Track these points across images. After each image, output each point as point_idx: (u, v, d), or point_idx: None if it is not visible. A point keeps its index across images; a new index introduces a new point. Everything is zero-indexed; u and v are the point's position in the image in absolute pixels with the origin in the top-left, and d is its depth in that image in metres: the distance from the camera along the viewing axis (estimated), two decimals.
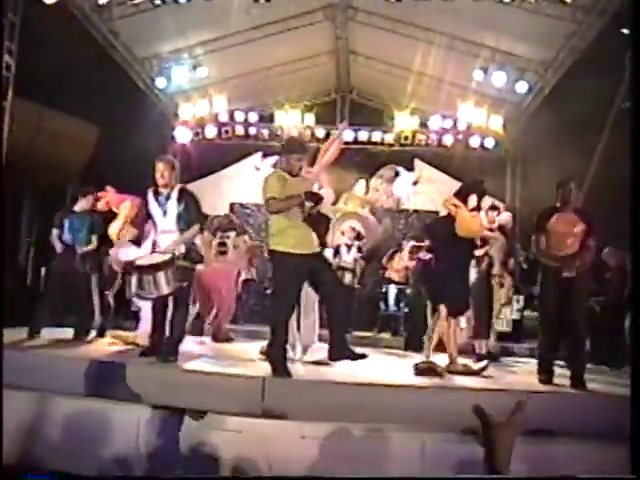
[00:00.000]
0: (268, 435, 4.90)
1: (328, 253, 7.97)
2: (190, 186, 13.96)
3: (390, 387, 5.51)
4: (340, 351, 5.81)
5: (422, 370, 6.40)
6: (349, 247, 10.90)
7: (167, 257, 5.97)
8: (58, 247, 7.89)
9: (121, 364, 5.95)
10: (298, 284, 5.83)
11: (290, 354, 6.88)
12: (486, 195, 7.02)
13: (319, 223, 6.93)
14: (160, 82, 12.46)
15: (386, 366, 7.07)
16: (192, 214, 6.38)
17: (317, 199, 6.06)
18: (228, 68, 12.93)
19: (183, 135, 14.06)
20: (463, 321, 7.67)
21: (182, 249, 6.24)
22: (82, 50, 10.10)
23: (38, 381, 5.50)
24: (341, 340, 5.92)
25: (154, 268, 5.86)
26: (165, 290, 5.90)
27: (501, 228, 8.42)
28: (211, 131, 14.18)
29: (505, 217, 8.83)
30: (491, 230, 8.00)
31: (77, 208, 8.10)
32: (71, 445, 5.07)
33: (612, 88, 10.21)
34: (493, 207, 8.39)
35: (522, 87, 11.98)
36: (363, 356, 5.87)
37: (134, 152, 11.18)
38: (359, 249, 11.13)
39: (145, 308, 7.25)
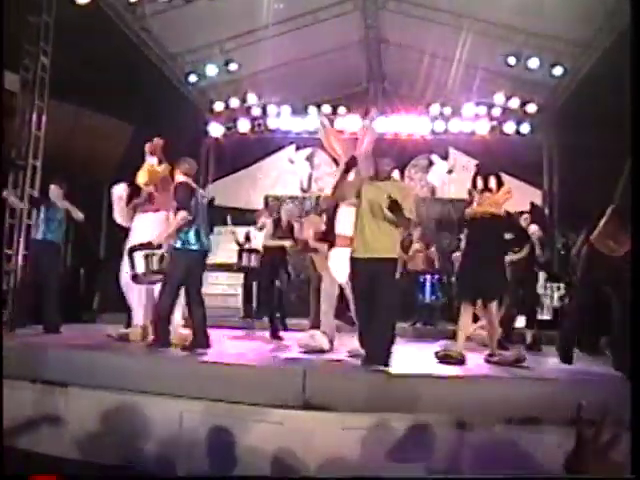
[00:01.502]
0: (309, 427, 4.90)
1: None
2: (225, 180, 14.34)
3: (429, 377, 5.47)
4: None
5: (441, 357, 6.47)
6: None
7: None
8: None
9: (162, 357, 6.06)
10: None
11: (326, 346, 6.94)
12: (492, 176, 6.88)
13: None
14: (192, 77, 12.54)
15: (424, 357, 7.01)
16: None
17: None
18: (259, 62, 12.92)
19: (216, 129, 14.14)
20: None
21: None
22: (115, 48, 10.18)
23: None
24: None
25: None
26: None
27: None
28: (244, 125, 14.23)
29: (532, 229, 8.76)
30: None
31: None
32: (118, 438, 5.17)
33: None
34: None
35: (558, 71, 11.78)
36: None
37: (168, 148, 11.27)
38: None
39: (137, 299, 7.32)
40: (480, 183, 6.76)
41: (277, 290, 8.76)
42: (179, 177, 6.88)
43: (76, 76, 9.56)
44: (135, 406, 5.30)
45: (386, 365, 5.49)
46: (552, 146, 13.85)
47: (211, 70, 12.40)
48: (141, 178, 7.36)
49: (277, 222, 8.68)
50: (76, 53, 9.44)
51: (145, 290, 7.14)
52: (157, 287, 6.86)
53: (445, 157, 14.30)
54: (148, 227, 7.03)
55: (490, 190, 6.73)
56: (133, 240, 7.04)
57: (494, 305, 6.73)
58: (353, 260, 5.77)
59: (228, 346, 7.66)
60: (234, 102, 13.84)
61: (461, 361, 6.46)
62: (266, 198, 13.98)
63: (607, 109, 10.37)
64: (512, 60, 11.74)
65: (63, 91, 9.48)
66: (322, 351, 6.83)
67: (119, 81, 10.26)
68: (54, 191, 8.05)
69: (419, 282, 11.23)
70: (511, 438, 4.75)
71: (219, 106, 13.90)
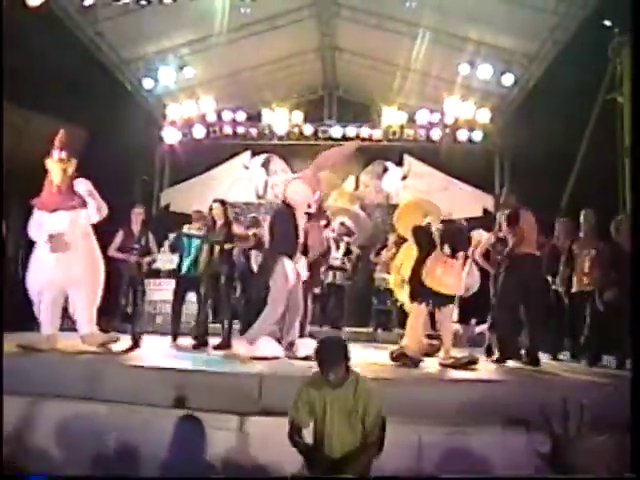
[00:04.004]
0: (267, 433, 4.93)
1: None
2: (179, 186, 14.27)
3: (387, 380, 5.56)
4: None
5: (396, 356, 6.67)
6: (337, 243, 10.93)
7: None
8: None
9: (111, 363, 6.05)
10: None
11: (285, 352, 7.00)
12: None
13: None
14: (147, 83, 12.45)
15: (382, 361, 7.09)
16: None
17: None
18: (215, 68, 12.95)
19: (171, 136, 14.06)
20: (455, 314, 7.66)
21: None
22: (67, 52, 10.05)
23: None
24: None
25: None
26: None
27: None
28: (199, 131, 14.17)
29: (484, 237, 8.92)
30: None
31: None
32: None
33: (596, 79, 10.28)
34: None
35: (508, 80, 12.03)
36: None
37: (122, 154, 11.19)
38: (347, 246, 11.20)
39: None
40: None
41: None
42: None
43: (27, 80, 9.43)
44: (93, 413, 5.28)
45: None
46: (503, 153, 14.10)
47: (165, 75, 12.31)
48: (55, 174, 6.91)
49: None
50: (26, 57, 9.31)
51: (55, 297, 6.84)
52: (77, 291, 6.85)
53: (399, 163, 14.44)
54: (63, 225, 6.80)
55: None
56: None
57: (449, 309, 6.88)
58: None
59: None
60: (189, 108, 13.79)
61: (417, 364, 6.59)
62: None
63: (555, 118, 10.67)
64: (464, 68, 11.95)
65: (12, 95, 9.33)
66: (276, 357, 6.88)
67: (72, 85, 10.14)
68: None
69: (375, 287, 11.36)
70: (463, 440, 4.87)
71: (174, 112, 13.83)
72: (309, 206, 7.50)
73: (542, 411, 1.48)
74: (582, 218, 7.66)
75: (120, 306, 8.66)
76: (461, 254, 6.83)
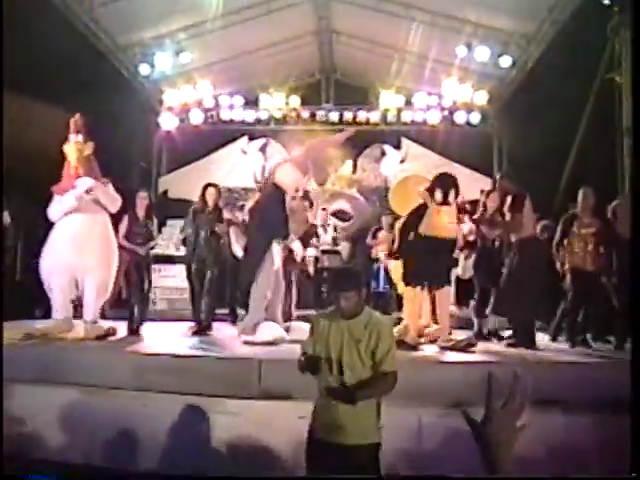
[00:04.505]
0: (266, 416, 4.97)
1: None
2: (178, 172, 14.25)
3: None
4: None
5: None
6: (325, 228, 10.95)
7: None
8: None
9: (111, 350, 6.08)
10: None
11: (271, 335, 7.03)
12: (453, 189, 6.96)
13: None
14: (144, 69, 12.39)
15: None
16: None
17: None
18: (211, 53, 12.88)
19: (168, 122, 14.02)
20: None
21: None
22: (63, 40, 10.01)
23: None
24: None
25: None
26: None
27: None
28: (196, 116, 14.13)
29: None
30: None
31: None
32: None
33: (594, 60, 10.25)
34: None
35: (506, 61, 11.96)
36: None
37: (120, 140, 11.16)
38: (335, 229, 11.21)
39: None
40: (439, 196, 6.85)
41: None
42: None
43: (23, 68, 9.40)
44: (95, 400, 5.32)
45: None
46: (501, 135, 14.08)
47: (162, 60, 12.25)
48: (72, 156, 7.09)
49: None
50: (22, 45, 9.27)
51: (68, 282, 6.95)
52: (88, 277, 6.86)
53: (397, 147, 14.41)
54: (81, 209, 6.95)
55: (448, 203, 6.87)
56: (69, 224, 6.93)
57: (444, 291, 6.90)
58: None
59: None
60: (186, 94, 13.74)
61: (415, 346, 6.64)
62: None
63: (554, 99, 10.64)
64: (462, 50, 11.89)
65: (9, 83, 9.30)
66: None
67: (68, 73, 10.10)
68: None
69: (374, 270, 11.35)
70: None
71: (171, 98, 13.78)
72: (297, 190, 7.54)
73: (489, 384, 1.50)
74: (580, 196, 7.54)
75: (123, 293, 8.68)
76: (452, 197, 6.84)
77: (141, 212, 8.06)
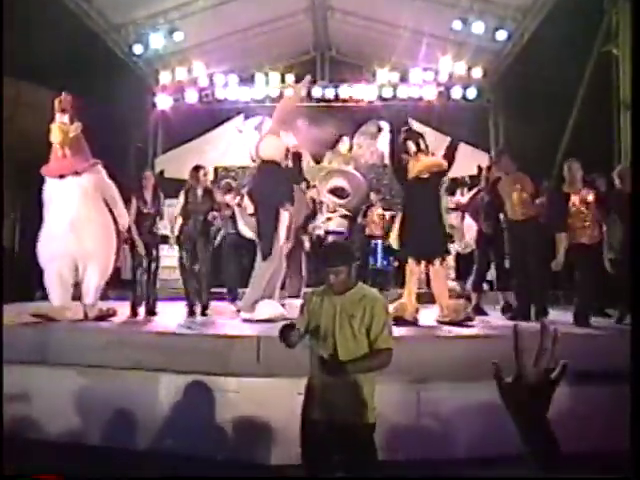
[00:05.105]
0: (266, 394, 5.00)
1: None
2: (174, 152, 14.20)
3: None
4: None
5: (395, 319, 6.63)
6: (319, 207, 10.95)
7: None
8: None
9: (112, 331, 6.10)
10: None
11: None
12: (421, 139, 7.06)
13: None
14: (137, 49, 12.33)
15: None
16: None
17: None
18: (205, 31, 12.78)
19: (164, 101, 13.96)
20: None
21: None
22: (56, 20, 9.92)
23: None
24: None
25: None
26: None
27: None
28: (191, 96, 14.08)
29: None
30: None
31: None
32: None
33: (591, 32, 10.19)
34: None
35: (501, 35, 11.92)
36: None
37: (115, 121, 11.09)
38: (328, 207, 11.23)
39: None
40: (412, 146, 6.91)
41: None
42: None
43: (17, 50, 9.33)
44: (94, 380, 5.34)
45: None
46: (498, 110, 14.05)
47: (156, 40, 12.19)
48: (55, 137, 6.91)
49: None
50: (14, 26, 9.19)
51: (68, 268, 6.87)
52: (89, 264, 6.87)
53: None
54: (74, 193, 6.84)
55: (422, 151, 6.93)
56: (59, 209, 6.83)
57: (437, 263, 6.89)
58: None
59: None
60: (181, 73, 13.65)
61: (414, 322, 6.67)
62: (216, 169, 13.87)
63: (550, 73, 10.58)
64: (457, 25, 11.82)
65: (3, 65, 9.25)
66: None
67: (62, 53, 10.02)
68: None
69: (371, 247, 11.36)
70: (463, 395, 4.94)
71: (166, 77, 13.70)
72: (287, 157, 7.58)
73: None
74: (565, 170, 7.30)
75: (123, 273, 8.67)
76: (423, 146, 7.02)
77: (148, 193, 7.96)
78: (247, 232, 8.46)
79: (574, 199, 7.17)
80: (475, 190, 9.12)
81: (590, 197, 7.19)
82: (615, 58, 9.67)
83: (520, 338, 1.45)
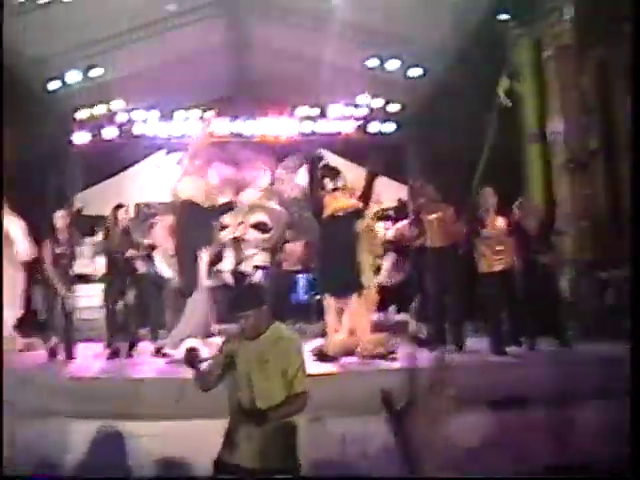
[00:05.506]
0: (189, 436, 4.96)
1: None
2: (93, 189, 13.96)
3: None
4: None
5: (315, 355, 6.77)
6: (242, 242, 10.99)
7: None
8: None
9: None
10: None
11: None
12: (338, 177, 7.22)
13: None
14: (53, 84, 12.13)
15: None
16: None
17: None
18: (124, 67, 12.67)
19: (81, 138, 13.77)
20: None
21: None
22: None
23: None
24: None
25: None
26: None
27: None
28: (110, 132, 13.93)
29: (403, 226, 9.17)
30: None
31: None
32: None
33: (497, 69, 10.57)
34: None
35: (416, 72, 12.31)
36: None
37: (32, 160, 10.88)
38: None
39: None
40: (329, 183, 7.02)
41: None
42: None
43: None
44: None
45: None
46: (415, 144, 14.41)
47: (73, 76, 12.04)
48: None
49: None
50: None
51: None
52: None
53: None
54: None
55: (339, 188, 7.05)
56: None
57: (354, 299, 6.96)
58: None
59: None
60: (99, 109, 13.51)
61: (334, 358, 6.72)
62: (137, 205, 13.71)
63: (463, 108, 10.96)
64: (373, 62, 12.16)
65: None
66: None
67: None
68: None
69: (294, 281, 11.40)
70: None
71: (83, 114, 13.53)
72: (206, 195, 7.57)
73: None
74: (481, 198, 7.61)
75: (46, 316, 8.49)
76: (340, 184, 7.18)
77: (62, 233, 7.84)
78: (166, 271, 8.38)
79: (487, 226, 7.42)
80: (404, 222, 9.33)
81: (502, 224, 7.46)
82: (520, 94, 10.11)
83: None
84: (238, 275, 10.44)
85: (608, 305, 8.37)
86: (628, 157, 8.45)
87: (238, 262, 10.31)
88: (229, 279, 10.08)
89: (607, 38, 8.91)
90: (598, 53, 9.28)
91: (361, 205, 7.07)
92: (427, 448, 1.30)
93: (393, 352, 6.82)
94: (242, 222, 11.85)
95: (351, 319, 7.01)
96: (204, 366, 3.53)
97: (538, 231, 7.59)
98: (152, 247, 8.69)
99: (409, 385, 1.29)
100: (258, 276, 11.34)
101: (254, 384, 3.42)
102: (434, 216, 7.72)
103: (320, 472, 4.64)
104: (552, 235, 7.88)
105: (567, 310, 8.18)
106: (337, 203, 6.92)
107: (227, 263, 9.60)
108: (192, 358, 3.51)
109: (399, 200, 13.71)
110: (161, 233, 8.29)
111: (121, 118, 13.88)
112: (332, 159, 14.13)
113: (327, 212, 6.93)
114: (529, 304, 7.45)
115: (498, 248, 7.35)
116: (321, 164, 7.57)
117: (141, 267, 8.52)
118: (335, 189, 7.03)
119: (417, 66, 12.27)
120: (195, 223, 7.27)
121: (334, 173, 7.22)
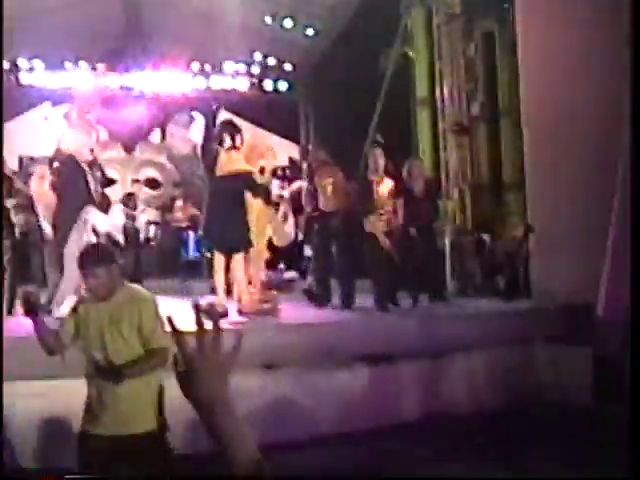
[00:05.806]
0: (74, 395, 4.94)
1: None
2: None
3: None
4: None
5: (203, 311, 6.72)
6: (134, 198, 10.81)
7: None
8: None
9: None
10: None
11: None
12: (238, 135, 7.19)
13: None
14: None
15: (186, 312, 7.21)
16: None
17: None
18: (6, 10, 12.04)
19: None
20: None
21: None
22: None
23: None
24: None
25: None
26: None
27: None
28: None
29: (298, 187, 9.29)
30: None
31: None
32: None
33: (392, 33, 10.78)
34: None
35: (310, 32, 12.36)
36: None
37: None
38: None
39: None
40: (228, 140, 6.97)
41: None
42: None
43: None
44: None
45: None
46: (308, 103, 14.52)
47: None
48: None
49: None
50: None
51: None
52: None
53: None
54: None
55: (237, 147, 7.02)
56: None
57: (239, 257, 7.01)
58: None
59: None
60: None
61: (223, 314, 6.79)
62: (20, 159, 13.21)
63: (356, 69, 11.14)
64: (268, 19, 12.11)
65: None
66: None
67: None
68: None
69: (182, 238, 11.34)
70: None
71: None
72: (92, 150, 7.38)
73: None
74: (369, 157, 7.74)
75: None
76: (239, 142, 7.03)
77: None
78: (47, 226, 8.12)
79: (376, 186, 7.63)
80: (299, 183, 9.44)
81: (390, 185, 7.69)
82: (411, 59, 10.38)
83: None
84: (130, 231, 10.26)
85: (485, 264, 8.84)
86: (507, 124, 8.95)
87: (129, 218, 10.10)
88: (119, 236, 9.89)
89: (493, 11, 9.30)
90: (485, 24, 9.63)
91: (254, 173, 7.08)
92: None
93: (271, 310, 6.95)
94: (135, 178, 11.69)
95: (235, 275, 7.07)
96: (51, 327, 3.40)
97: (424, 194, 7.87)
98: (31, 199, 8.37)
99: (179, 345, 1.15)
100: (151, 232, 11.27)
101: (107, 344, 3.31)
102: (328, 180, 7.81)
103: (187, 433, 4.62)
104: (437, 198, 8.23)
105: (447, 269, 8.66)
106: (232, 165, 6.87)
107: (118, 219, 9.38)
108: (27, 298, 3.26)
109: (290, 158, 13.89)
110: (38, 184, 7.97)
111: (5, 66, 13.20)
112: (226, 117, 14.14)
113: (220, 172, 6.89)
114: (411, 263, 7.75)
115: (385, 209, 7.57)
116: (222, 119, 7.44)
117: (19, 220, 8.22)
118: (233, 147, 6.95)
119: (311, 27, 12.28)
120: (76, 178, 7.06)
121: (235, 130, 7.10)
